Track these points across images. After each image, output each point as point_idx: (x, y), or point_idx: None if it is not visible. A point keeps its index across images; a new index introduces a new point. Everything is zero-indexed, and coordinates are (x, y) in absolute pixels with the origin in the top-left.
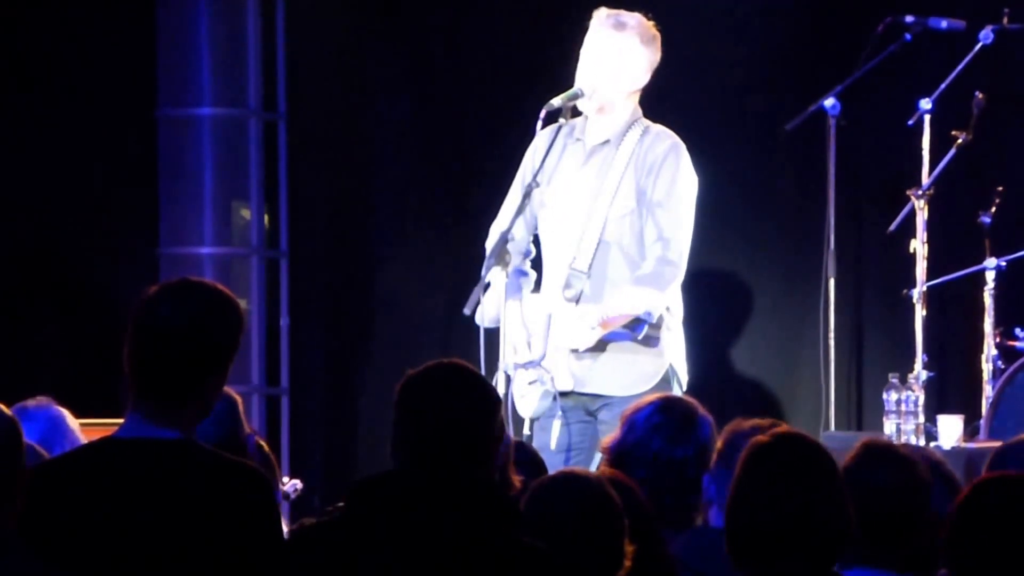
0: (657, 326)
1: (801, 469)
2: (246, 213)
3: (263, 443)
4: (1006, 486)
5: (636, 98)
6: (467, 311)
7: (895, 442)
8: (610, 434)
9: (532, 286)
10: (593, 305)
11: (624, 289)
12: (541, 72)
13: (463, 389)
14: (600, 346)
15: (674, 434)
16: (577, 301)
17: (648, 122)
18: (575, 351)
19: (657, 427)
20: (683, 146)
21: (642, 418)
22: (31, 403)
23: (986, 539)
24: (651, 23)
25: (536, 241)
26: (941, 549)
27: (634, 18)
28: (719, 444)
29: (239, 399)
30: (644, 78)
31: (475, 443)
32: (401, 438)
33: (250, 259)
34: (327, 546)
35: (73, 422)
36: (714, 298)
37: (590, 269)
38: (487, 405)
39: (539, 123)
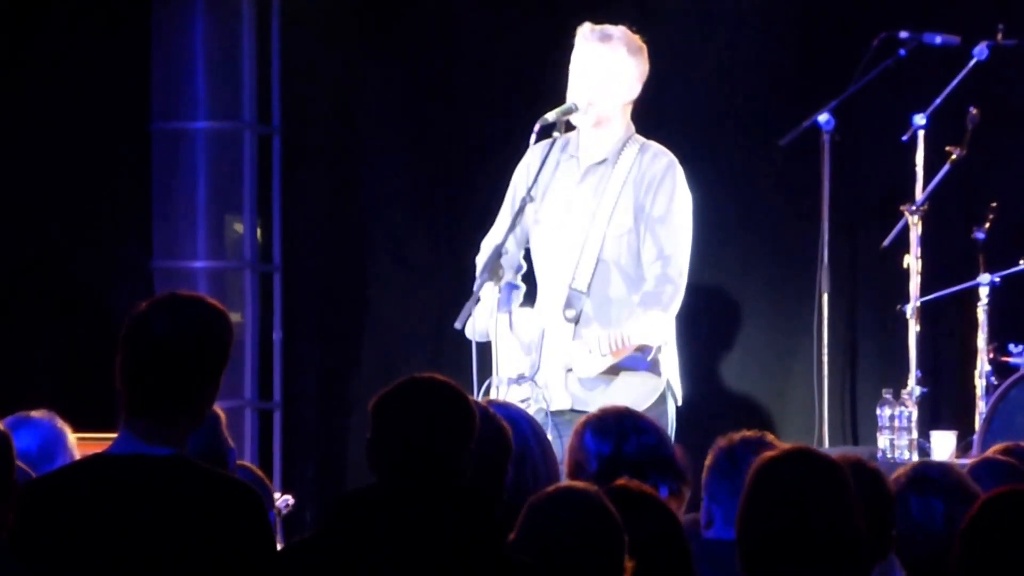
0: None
1: (813, 481)
2: (239, 227)
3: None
4: (1016, 501)
5: (629, 112)
6: (458, 325)
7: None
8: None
9: (521, 299)
10: (602, 330)
11: (640, 318)
12: (535, 87)
13: (437, 401)
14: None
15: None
16: (577, 321)
17: (643, 139)
18: (572, 371)
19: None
20: (678, 164)
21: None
22: (36, 413)
23: (997, 554)
24: (636, 35)
25: (526, 256)
26: (951, 565)
27: (619, 30)
28: (710, 459)
29: (222, 414)
30: (636, 88)
31: (453, 452)
32: (378, 455)
33: (243, 273)
34: (313, 561)
35: (72, 439)
36: (707, 313)
37: (589, 288)
38: (463, 414)
39: (533, 137)
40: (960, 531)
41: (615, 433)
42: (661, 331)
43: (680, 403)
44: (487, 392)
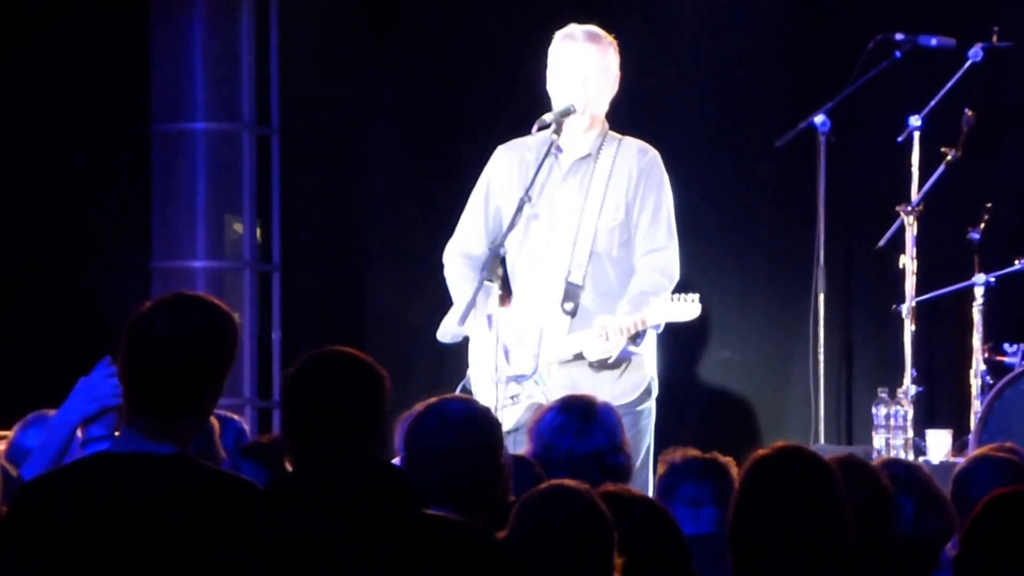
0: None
1: (802, 481)
2: (239, 227)
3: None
4: (1018, 502)
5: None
6: (460, 324)
7: (867, 458)
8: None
9: (497, 299)
10: (609, 317)
11: (651, 302)
12: (535, 88)
13: (342, 371)
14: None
15: (580, 427)
16: (574, 314)
17: (617, 134)
18: (566, 363)
19: (562, 428)
20: (659, 156)
21: (546, 425)
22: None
23: (997, 556)
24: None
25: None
26: (952, 565)
27: (598, 29)
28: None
29: (216, 423)
30: (617, 85)
31: (363, 420)
32: (289, 431)
33: (242, 273)
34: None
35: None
36: (704, 314)
37: (584, 281)
38: (370, 382)
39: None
40: (962, 531)
41: (569, 421)
42: (673, 312)
43: (657, 394)
44: (463, 391)
